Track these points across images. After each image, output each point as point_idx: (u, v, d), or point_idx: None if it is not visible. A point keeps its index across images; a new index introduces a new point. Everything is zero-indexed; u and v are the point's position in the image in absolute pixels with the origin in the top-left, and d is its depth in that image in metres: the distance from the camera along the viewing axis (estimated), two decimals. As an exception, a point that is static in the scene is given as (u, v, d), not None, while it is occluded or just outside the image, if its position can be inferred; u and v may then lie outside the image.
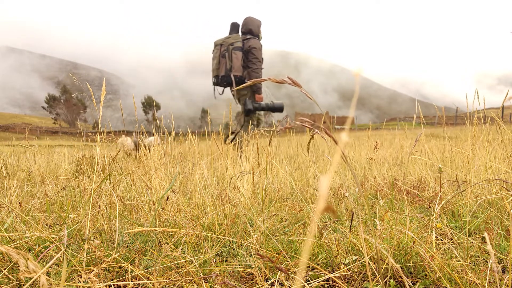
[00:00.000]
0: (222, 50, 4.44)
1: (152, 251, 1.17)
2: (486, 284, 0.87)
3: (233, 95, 4.68)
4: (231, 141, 4.09)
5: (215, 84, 4.59)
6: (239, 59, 4.32)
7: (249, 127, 4.40)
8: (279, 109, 4.47)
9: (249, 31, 4.48)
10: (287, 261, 1.09)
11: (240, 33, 4.60)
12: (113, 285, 0.95)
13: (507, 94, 1.51)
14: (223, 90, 4.70)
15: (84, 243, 1.07)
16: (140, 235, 1.27)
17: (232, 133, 4.42)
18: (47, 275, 0.98)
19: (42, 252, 0.99)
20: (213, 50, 4.62)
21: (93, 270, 0.89)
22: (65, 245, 0.90)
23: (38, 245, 1.14)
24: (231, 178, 1.86)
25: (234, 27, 4.61)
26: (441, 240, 1.24)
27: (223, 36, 4.63)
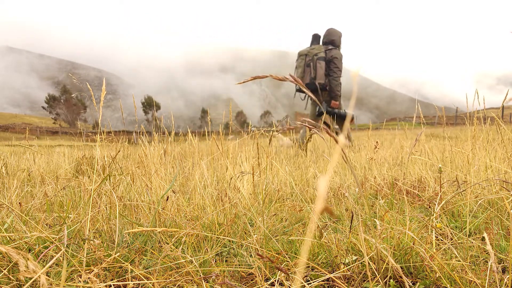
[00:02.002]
0: (307, 60, 4.95)
1: (152, 251, 1.17)
2: (486, 284, 0.87)
3: (314, 100, 5.18)
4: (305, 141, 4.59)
5: (298, 90, 5.17)
6: (322, 68, 4.85)
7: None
8: (342, 117, 4.92)
9: (331, 41, 5.00)
10: (287, 261, 1.09)
11: (321, 42, 5.12)
12: (113, 285, 0.95)
13: (507, 94, 1.51)
14: (305, 96, 5.26)
15: (84, 243, 1.07)
16: (140, 235, 1.27)
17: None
18: (47, 275, 0.98)
19: (42, 252, 0.99)
20: (297, 60, 5.16)
21: (93, 270, 0.89)
22: (65, 245, 0.90)
23: (38, 245, 1.14)
24: (231, 178, 1.86)
25: (315, 38, 5.17)
26: (441, 240, 1.24)
27: (306, 46, 5.17)
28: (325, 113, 4.69)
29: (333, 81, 4.86)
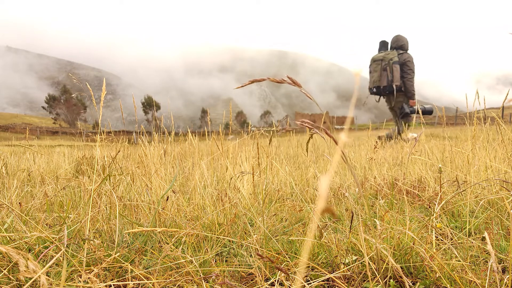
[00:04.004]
0: (383, 64, 5.47)
1: (152, 251, 1.17)
2: (486, 284, 0.87)
3: (386, 101, 5.74)
4: (388, 138, 5.37)
5: (373, 93, 5.68)
6: (398, 72, 5.36)
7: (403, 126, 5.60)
8: (429, 112, 5.30)
9: (400, 46, 5.52)
10: (287, 261, 1.09)
11: (389, 48, 5.67)
12: (113, 285, 0.95)
13: (507, 94, 1.51)
14: (379, 98, 5.77)
15: (84, 243, 1.07)
16: (140, 235, 1.27)
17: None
18: (47, 275, 0.98)
19: (42, 252, 0.99)
20: (371, 65, 5.68)
21: (93, 270, 0.89)
22: (65, 245, 0.90)
23: (38, 245, 1.14)
24: (231, 178, 1.86)
25: (384, 44, 5.73)
26: (441, 240, 1.24)
27: (377, 52, 5.78)
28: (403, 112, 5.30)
29: (408, 82, 5.37)
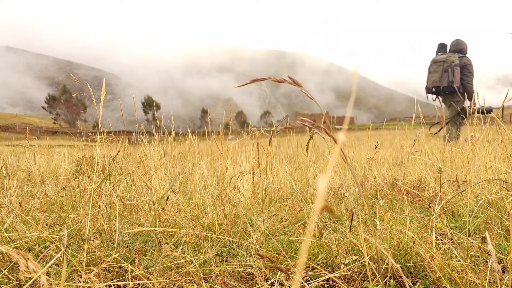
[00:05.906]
0: (445, 66, 5.80)
1: (152, 251, 1.17)
2: (486, 284, 0.87)
3: (443, 101, 6.06)
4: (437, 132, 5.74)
5: (431, 92, 6.01)
6: (459, 74, 5.72)
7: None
8: (488, 111, 5.54)
9: (460, 50, 5.88)
10: (287, 261, 1.09)
11: (447, 51, 6.00)
12: (113, 285, 0.95)
13: (507, 94, 1.51)
14: (435, 98, 6.09)
15: (84, 243, 1.07)
16: (140, 235, 1.27)
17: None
18: (47, 275, 0.98)
19: (42, 252, 0.99)
20: (431, 66, 6.00)
21: (93, 270, 0.89)
22: (65, 245, 0.90)
23: (38, 245, 1.14)
24: (231, 178, 1.86)
25: (442, 46, 6.10)
26: (441, 240, 1.24)
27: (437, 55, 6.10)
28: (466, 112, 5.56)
29: (468, 85, 5.73)
